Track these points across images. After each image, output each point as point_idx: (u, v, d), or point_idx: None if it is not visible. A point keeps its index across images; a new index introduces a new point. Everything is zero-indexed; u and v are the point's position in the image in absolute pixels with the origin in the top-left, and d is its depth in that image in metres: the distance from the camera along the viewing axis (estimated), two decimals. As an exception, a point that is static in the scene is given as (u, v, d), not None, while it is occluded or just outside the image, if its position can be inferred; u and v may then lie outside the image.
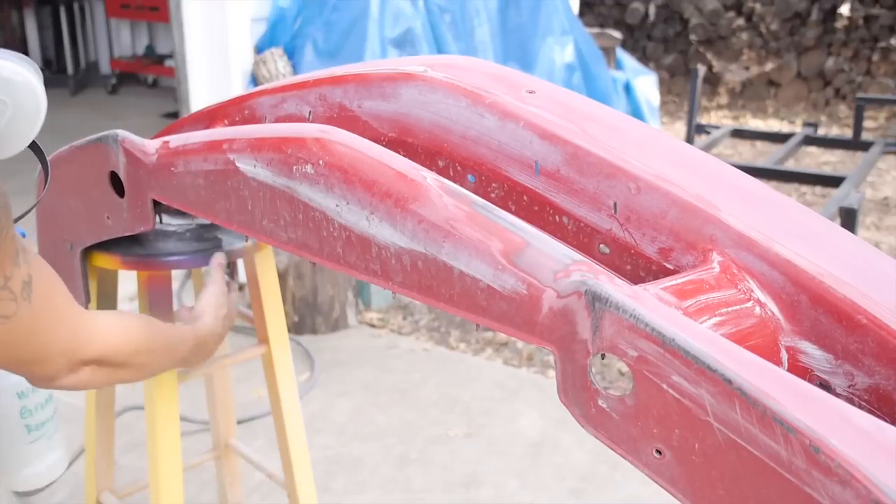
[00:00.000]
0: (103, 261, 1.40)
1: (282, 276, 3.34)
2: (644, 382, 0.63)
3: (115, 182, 1.19)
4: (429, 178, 0.82)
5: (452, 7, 4.16)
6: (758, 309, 0.73)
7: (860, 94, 6.11)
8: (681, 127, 6.82)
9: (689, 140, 4.90)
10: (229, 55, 3.66)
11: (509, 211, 0.88)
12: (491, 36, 4.42)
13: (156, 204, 1.15)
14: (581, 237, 0.86)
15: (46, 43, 8.20)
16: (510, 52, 4.54)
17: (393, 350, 3.35)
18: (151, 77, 7.94)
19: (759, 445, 0.56)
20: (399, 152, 0.92)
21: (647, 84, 5.58)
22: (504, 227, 0.75)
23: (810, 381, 0.71)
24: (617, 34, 5.87)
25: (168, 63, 7.29)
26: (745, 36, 7.70)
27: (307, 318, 3.45)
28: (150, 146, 1.13)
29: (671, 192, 0.80)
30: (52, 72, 8.14)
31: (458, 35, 4.19)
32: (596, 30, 5.92)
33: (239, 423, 2.53)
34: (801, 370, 0.72)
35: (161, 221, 1.22)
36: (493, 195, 0.93)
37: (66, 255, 1.38)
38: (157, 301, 1.46)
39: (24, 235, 1.03)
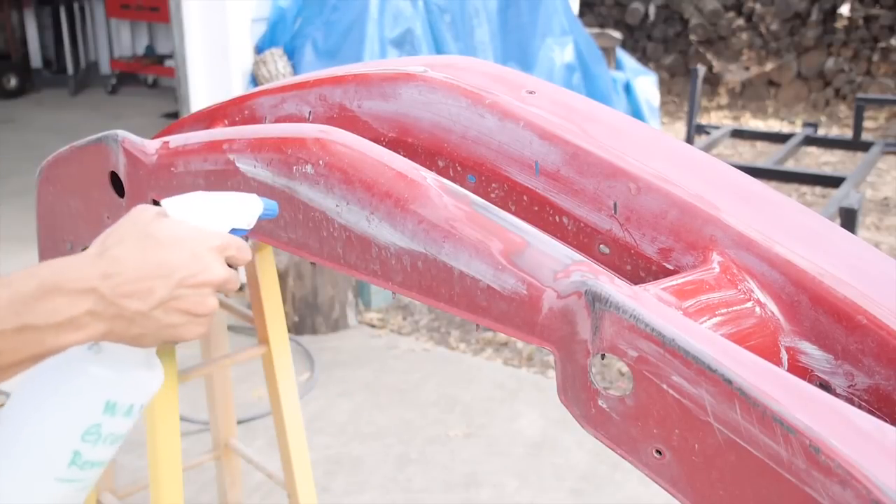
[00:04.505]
0: (103, 261, 1.40)
1: (282, 276, 3.34)
2: (644, 383, 0.63)
3: (115, 182, 1.19)
4: (429, 178, 0.82)
5: (452, 7, 4.16)
6: (758, 309, 0.73)
7: (860, 94, 6.11)
8: (681, 127, 6.82)
9: (689, 140, 4.90)
10: (229, 55, 3.66)
11: (509, 211, 0.88)
12: (491, 36, 4.42)
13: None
14: (581, 237, 0.86)
15: (46, 43, 8.20)
16: (510, 52, 4.54)
17: (393, 350, 3.35)
18: (151, 77, 7.94)
19: (759, 445, 0.56)
20: (399, 152, 0.92)
21: (647, 84, 5.58)
22: (504, 227, 0.76)
23: (810, 381, 0.71)
24: (617, 34, 5.87)
25: (168, 63, 7.28)
26: (745, 36, 7.70)
27: (307, 318, 3.45)
28: (150, 146, 1.13)
29: (671, 193, 0.80)
30: (52, 72, 8.14)
31: (457, 35, 4.19)
32: (596, 30, 5.92)
33: (239, 423, 2.53)
34: (801, 370, 0.72)
35: (161, 221, 1.22)
36: (493, 195, 0.93)
37: (66, 255, 1.38)
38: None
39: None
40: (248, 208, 0.85)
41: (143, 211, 0.79)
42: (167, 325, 0.76)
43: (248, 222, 0.85)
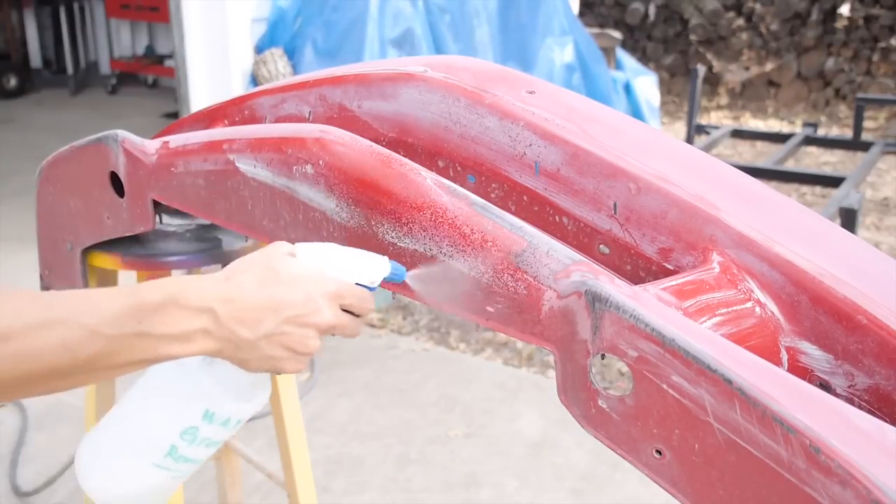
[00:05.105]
0: (103, 261, 1.40)
1: (282, 276, 3.34)
2: (644, 383, 0.63)
3: (115, 182, 1.19)
4: (429, 178, 0.82)
5: (452, 7, 4.16)
6: (758, 309, 0.73)
7: (860, 94, 6.10)
8: (681, 127, 6.82)
9: (689, 140, 4.90)
10: (229, 55, 3.66)
11: (509, 211, 0.88)
12: (491, 36, 4.42)
13: (156, 204, 1.15)
14: (581, 237, 0.86)
15: (46, 43, 8.19)
16: (510, 52, 4.53)
17: (393, 350, 3.35)
18: (151, 77, 7.94)
19: (759, 445, 0.56)
20: (399, 152, 0.92)
21: (647, 84, 5.58)
22: (504, 227, 0.76)
23: (810, 381, 0.71)
24: (617, 34, 5.87)
25: (168, 63, 7.28)
26: (745, 36, 7.70)
27: (307, 318, 3.45)
28: (150, 146, 1.13)
29: (671, 193, 0.80)
30: (52, 72, 8.14)
31: (457, 35, 4.19)
32: (596, 30, 5.92)
33: (239, 423, 2.53)
34: (801, 370, 0.72)
35: (161, 221, 1.22)
36: (493, 195, 0.93)
37: (66, 255, 1.38)
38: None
39: None
40: (375, 268, 0.87)
41: (277, 247, 0.83)
42: (269, 356, 0.80)
43: (373, 281, 0.87)
